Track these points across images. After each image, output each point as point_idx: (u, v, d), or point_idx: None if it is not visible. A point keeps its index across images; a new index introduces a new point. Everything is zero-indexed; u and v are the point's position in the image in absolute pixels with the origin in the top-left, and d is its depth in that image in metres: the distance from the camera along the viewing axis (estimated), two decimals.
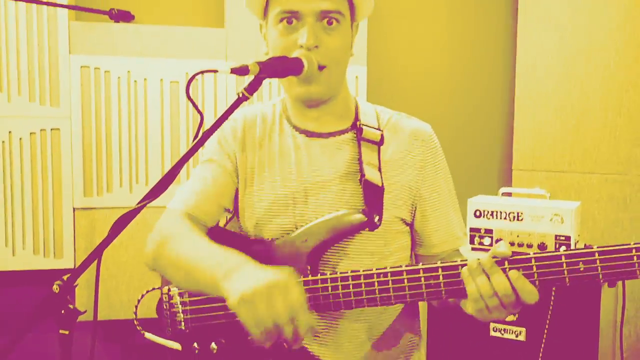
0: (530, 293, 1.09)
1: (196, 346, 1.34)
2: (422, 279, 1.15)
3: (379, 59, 3.28)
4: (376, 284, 1.17)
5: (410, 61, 3.43)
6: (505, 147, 3.49)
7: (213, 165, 1.43)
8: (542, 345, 1.95)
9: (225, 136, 1.44)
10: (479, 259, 1.11)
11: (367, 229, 1.28)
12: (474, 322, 1.62)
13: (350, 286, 1.19)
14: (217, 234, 1.40)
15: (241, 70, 1.17)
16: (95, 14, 2.90)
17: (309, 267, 1.28)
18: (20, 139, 2.79)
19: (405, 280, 1.16)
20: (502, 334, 2.08)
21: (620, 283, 2.06)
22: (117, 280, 2.94)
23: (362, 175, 1.30)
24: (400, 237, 1.36)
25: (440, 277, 1.15)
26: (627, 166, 3.02)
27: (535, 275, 1.09)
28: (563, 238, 2.07)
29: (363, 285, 1.18)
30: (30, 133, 2.81)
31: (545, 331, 1.95)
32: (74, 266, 2.87)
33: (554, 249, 2.09)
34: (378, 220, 1.28)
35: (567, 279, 1.08)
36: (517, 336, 2.06)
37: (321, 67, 1.26)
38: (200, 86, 2.96)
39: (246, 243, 1.39)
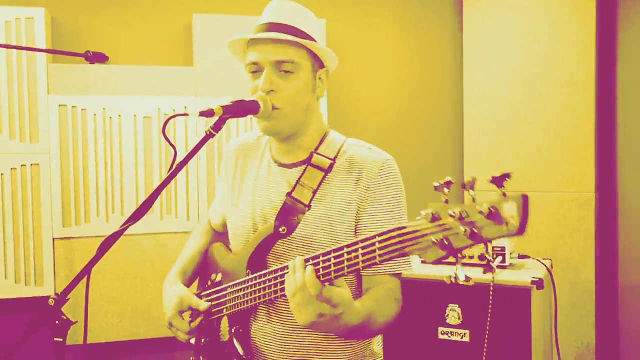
0: (313, 283, 1.20)
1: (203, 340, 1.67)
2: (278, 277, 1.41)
3: (338, 90, 3.54)
4: (266, 281, 1.45)
5: (367, 91, 3.70)
6: (456, 168, 3.75)
7: (219, 185, 1.82)
8: (485, 345, 2.19)
9: (225, 160, 1.77)
10: (294, 261, 1.28)
11: (278, 239, 1.53)
12: (422, 327, 1.83)
13: (255, 285, 1.48)
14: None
15: (207, 113, 1.41)
16: (72, 56, 3.12)
17: (248, 272, 1.54)
18: (1, 174, 2.98)
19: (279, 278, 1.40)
20: (449, 337, 2.32)
21: (550, 286, 2.32)
22: (96, 307, 3.11)
23: (290, 192, 1.54)
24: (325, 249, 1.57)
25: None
26: (564, 185, 3.32)
27: (334, 266, 1.23)
28: (499, 249, 2.34)
29: (260, 284, 1.46)
30: (11, 168, 3.00)
31: (487, 332, 2.20)
32: (54, 292, 3.03)
33: (492, 259, 2.35)
34: (284, 231, 1.51)
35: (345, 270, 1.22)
36: (462, 338, 2.30)
37: (275, 108, 1.50)
38: (172, 123, 3.18)
39: (225, 254, 1.72)
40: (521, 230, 0.93)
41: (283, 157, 1.62)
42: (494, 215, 0.96)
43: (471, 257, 2.38)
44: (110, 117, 3.11)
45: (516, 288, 2.21)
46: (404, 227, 1.10)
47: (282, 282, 1.37)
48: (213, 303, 1.66)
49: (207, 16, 3.23)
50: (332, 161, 1.55)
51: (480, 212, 0.98)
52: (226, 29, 3.22)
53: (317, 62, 1.58)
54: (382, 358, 1.68)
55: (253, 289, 1.49)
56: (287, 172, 1.59)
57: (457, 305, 2.31)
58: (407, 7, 3.76)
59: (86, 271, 1.48)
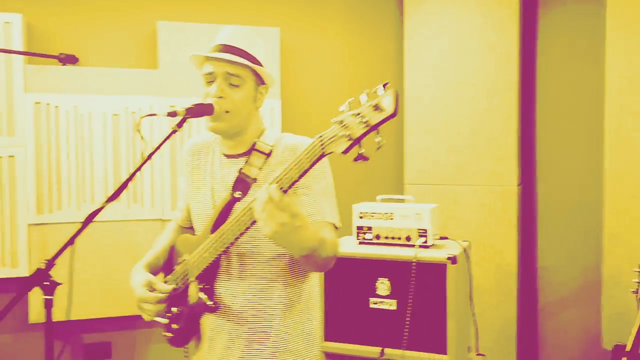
0: (276, 193, 1.51)
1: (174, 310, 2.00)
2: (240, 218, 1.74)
3: (291, 93, 3.89)
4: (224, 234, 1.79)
5: (317, 93, 4.05)
6: (397, 164, 4.13)
7: (181, 183, 2.14)
8: (409, 312, 2.58)
9: (183, 159, 2.11)
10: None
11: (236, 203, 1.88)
12: (356, 297, 2.13)
13: (216, 240, 1.82)
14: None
15: (172, 114, 1.76)
16: (46, 58, 3.41)
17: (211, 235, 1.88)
18: None
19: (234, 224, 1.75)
20: (379, 306, 2.71)
21: (465, 264, 2.72)
22: (66, 287, 3.40)
23: (241, 168, 1.91)
24: None
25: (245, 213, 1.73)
26: (491, 179, 3.74)
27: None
28: (423, 231, 2.73)
29: (221, 236, 1.79)
30: None
31: (410, 302, 2.59)
32: (29, 274, 3.33)
33: (416, 240, 2.75)
34: (239, 195, 1.87)
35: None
36: (390, 306, 2.69)
37: (227, 111, 1.87)
38: (142, 122, 3.49)
39: (190, 238, 2.05)
40: (395, 113, 1.37)
41: (230, 150, 1.98)
42: (377, 106, 1.38)
43: (399, 238, 2.77)
44: (81, 114, 3.42)
45: (434, 264, 2.61)
46: (321, 135, 1.49)
47: (241, 224, 1.71)
48: (180, 277, 2.00)
49: (170, 24, 3.56)
50: (271, 147, 1.93)
51: (370, 106, 1.39)
52: (188, 36, 3.56)
53: (259, 80, 1.95)
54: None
55: (216, 242, 1.82)
56: (235, 161, 1.96)
57: (387, 279, 2.70)
58: (354, 17, 4.13)
59: (71, 242, 1.81)
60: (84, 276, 3.43)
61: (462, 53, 3.81)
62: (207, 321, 1.97)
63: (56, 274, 3.34)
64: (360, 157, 1.43)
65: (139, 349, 3.77)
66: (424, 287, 2.62)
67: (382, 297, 2.70)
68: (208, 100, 1.85)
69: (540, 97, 3.90)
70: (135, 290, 1.99)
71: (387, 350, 2.66)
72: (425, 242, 2.72)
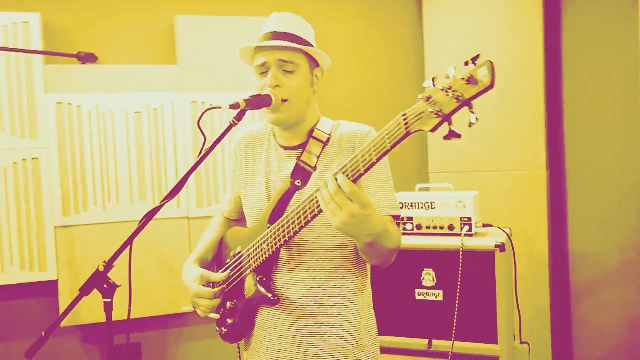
0: (347, 184, 1.48)
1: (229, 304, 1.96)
2: (301, 211, 1.67)
3: None
4: (285, 225, 1.73)
5: (336, 83, 3.98)
6: (421, 153, 4.08)
7: (230, 174, 2.10)
8: (457, 302, 2.53)
9: (235, 151, 2.05)
10: (324, 176, 1.56)
11: (295, 192, 1.83)
12: (402, 289, 2.12)
13: (276, 231, 1.76)
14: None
15: (235, 106, 1.70)
16: (64, 57, 3.34)
17: (268, 226, 1.82)
18: (4, 168, 3.19)
19: (295, 216, 1.68)
20: (425, 297, 2.66)
21: (511, 251, 2.67)
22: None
23: (299, 157, 1.85)
24: None
25: (307, 203, 1.66)
26: (519, 164, 3.70)
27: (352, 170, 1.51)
28: (466, 219, 2.68)
29: (282, 227, 1.74)
30: (13, 163, 3.21)
31: (458, 292, 2.54)
32: (57, 278, 3.27)
33: (460, 230, 2.70)
34: (299, 183, 1.82)
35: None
36: (436, 297, 2.64)
37: (284, 101, 1.81)
38: (163, 118, 3.43)
39: (243, 230, 2.02)
40: (493, 84, 1.28)
41: (287, 142, 1.92)
42: (471, 79, 1.29)
43: (442, 228, 2.72)
44: (103, 114, 3.35)
45: (482, 252, 2.56)
46: (404, 113, 1.41)
47: (306, 214, 1.65)
48: (234, 270, 1.94)
49: (189, 18, 3.49)
50: (329, 135, 1.87)
51: (462, 79, 1.30)
52: (207, 30, 3.49)
53: (314, 62, 1.89)
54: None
55: (276, 233, 1.76)
56: (292, 153, 1.90)
57: (432, 270, 2.65)
58: (370, 1, 4.06)
59: (129, 242, 1.75)
60: (111, 277, 3.36)
61: (486, 36, 3.76)
62: (264, 315, 1.92)
63: (79, 277, 3.30)
64: (452, 135, 1.35)
65: (169, 350, 3.72)
66: (471, 276, 2.57)
67: (428, 288, 2.65)
68: (265, 92, 1.80)
69: (567, 79, 3.85)
70: (190, 286, 1.96)
71: (435, 342, 2.62)
72: (470, 230, 2.68)
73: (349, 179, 1.50)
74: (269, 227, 1.82)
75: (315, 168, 1.84)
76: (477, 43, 3.77)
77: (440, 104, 1.34)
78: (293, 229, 1.71)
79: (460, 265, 2.55)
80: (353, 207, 1.49)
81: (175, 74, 3.47)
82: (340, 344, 1.85)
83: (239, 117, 1.74)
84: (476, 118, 1.30)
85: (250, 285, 1.89)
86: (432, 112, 1.35)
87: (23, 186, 3.24)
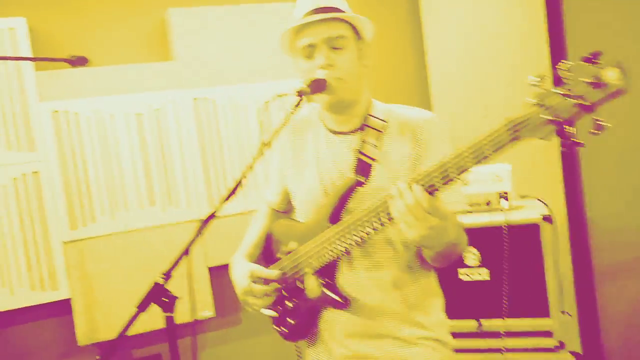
0: (426, 198, 1.38)
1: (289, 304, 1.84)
2: (379, 213, 1.55)
3: None
4: (354, 228, 1.61)
5: None
6: None
7: (274, 165, 1.98)
8: (505, 279, 2.45)
9: (278, 140, 1.91)
10: (397, 185, 1.45)
11: (358, 188, 1.70)
12: (444, 271, 2.06)
13: (344, 234, 1.64)
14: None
15: (301, 92, 1.58)
16: (54, 62, 3.15)
17: (329, 225, 1.71)
18: (4, 185, 3.00)
19: (366, 220, 1.57)
20: (470, 277, 2.58)
21: (554, 222, 2.60)
22: (112, 303, 3.19)
23: (359, 149, 1.73)
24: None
25: (380, 210, 1.54)
26: (527, 153, 3.61)
27: (440, 177, 1.40)
28: (505, 193, 2.60)
29: (351, 230, 1.62)
30: (13, 179, 3.02)
31: (505, 267, 2.47)
32: (71, 296, 3.09)
33: (497, 205, 2.62)
34: (363, 179, 1.70)
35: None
36: (481, 276, 2.56)
37: (339, 79, 1.69)
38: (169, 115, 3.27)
39: (295, 225, 1.89)
40: (625, 88, 1.14)
41: (339, 126, 1.80)
42: (597, 82, 1.16)
43: (478, 205, 2.64)
44: (103, 118, 3.18)
45: (526, 226, 2.49)
46: (512, 119, 1.29)
47: (376, 220, 1.54)
48: (290, 268, 1.83)
49: (182, 10, 3.32)
50: (385, 122, 1.76)
51: (586, 82, 1.16)
52: (202, 21, 3.33)
53: (358, 35, 1.77)
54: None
55: (341, 236, 1.64)
56: (344, 138, 1.78)
57: (475, 248, 2.57)
58: None
59: (186, 251, 1.62)
60: (127, 289, 3.21)
61: (485, 7, 3.67)
62: (329, 315, 1.81)
63: (93, 293, 3.14)
64: (573, 145, 1.20)
65: (189, 358, 3.58)
66: (516, 251, 2.50)
67: (472, 267, 2.57)
68: (317, 74, 1.68)
69: (570, 45, 3.79)
70: (239, 282, 1.85)
71: (484, 322, 2.54)
72: (509, 204, 2.60)
73: (430, 188, 1.40)
74: (330, 226, 1.70)
75: (374, 160, 1.72)
76: (477, 13, 3.68)
77: (555, 109, 1.21)
78: (364, 229, 1.59)
79: (506, 240, 2.47)
80: (433, 220, 1.40)
81: (174, 70, 3.31)
82: (415, 343, 1.75)
83: (298, 105, 1.61)
84: (602, 126, 1.15)
85: (313, 286, 1.77)
86: (546, 118, 1.22)
87: (25, 202, 3.06)
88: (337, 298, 1.70)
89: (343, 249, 1.65)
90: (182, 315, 3.26)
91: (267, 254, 2.00)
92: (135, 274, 3.23)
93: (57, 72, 3.12)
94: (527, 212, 2.55)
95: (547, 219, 2.47)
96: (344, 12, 1.74)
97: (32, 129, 3.06)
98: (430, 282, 1.84)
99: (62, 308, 3.18)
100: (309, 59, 1.71)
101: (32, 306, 3.08)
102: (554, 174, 3.60)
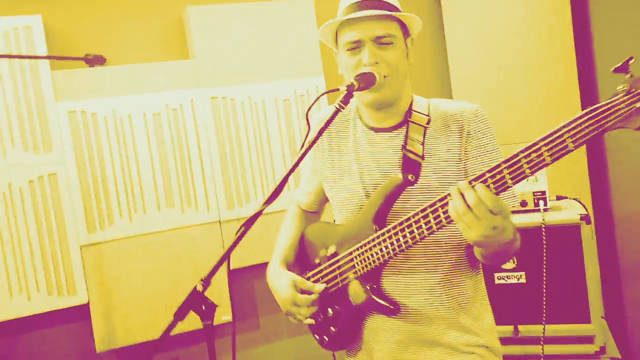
0: (491, 198, 1.31)
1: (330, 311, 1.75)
2: (429, 214, 1.46)
3: (334, 67, 3.61)
4: (405, 228, 1.52)
5: None
6: None
7: (306, 164, 1.90)
8: (544, 283, 2.37)
9: (312, 136, 1.80)
10: (457, 185, 1.37)
11: (407, 187, 1.61)
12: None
13: (392, 236, 1.55)
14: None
15: (351, 87, 1.50)
16: (71, 62, 3.07)
17: (375, 227, 1.62)
18: (20, 188, 2.92)
19: (421, 219, 1.48)
20: (506, 280, 2.49)
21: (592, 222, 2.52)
22: (131, 307, 3.10)
23: (404, 145, 1.65)
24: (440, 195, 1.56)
25: (439, 208, 1.44)
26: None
27: (507, 177, 1.32)
28: (540, 193, 2.51)
29: (398, 231, 1.53)
30: (29, 181, 2.94)
31: (544, 271, 2.38)
32: (88, 301, 3.01)
33: (532, 206, 2.53)
34: (413, 178, 1.61)
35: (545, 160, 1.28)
36: (518, 280, 2.47)
37: (385, 77, 1.60)
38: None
39: (333, 227, 1.79)
40: None
41: (379, 123, 1.71)
42: None
43: (513, 205, 2.55)
44: (121, 118, 3.09)
45: (564, 227, 2.40)
46: (594, 108, 1.21)
47: (431, 220, 1.45)
48: (331, 275, 1.74)
49: (201, 7, 3.24)
50: (428, 117, 1.67)
51: None
52: (221, 19, 3.25)
53: (405, 31, 1.69)
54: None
55: (390, 239, 1.56)
56: (386, 136, 1.69)
57: None
58: None
59: (226, 256, 1.53)
60: (146, 293, 3.13)
61: (510, 2, 3.58)
62: (374, 321, 1.73)
63: (112, 298, 3.06)
64: None
65: None
66: (554, 253, 2.41)
67: (508, 270, 2.48)
68: (363, 70, 1.59)
69: (597, 39, 3.70)
70: (281, 292, 1.77)
71: (522, 327, 2.46)
72: (545, 204, 2.51)
73: (497, 185, 1.32)
74: (375, 228, 1.62)
75: (423, 157, 1.64)
76: (501, 6, 3.59)
77: None
78: (416, 233, 1.50)
79: (545, 242, 2.39)
80: (495, 219, 1.33)
81: (191, 68, 3.22)
82: (464, 350, 1.67)
83: (346, 101, 1.53)
84: None
85: (358, 292, 1.69)
86: None
87: (42, 205, 2.97)
88: (386, 304, 1.62)
89: (392, 252, 1.57)
90: (197, 319, 3.18)
91: (301, 258, 1.92)
92: (154, 278, 3.15)
93: (74, 71, 3.03)
94: (565, 213, 2.46)
95: (586, 219, 2.38)
96: (394, 7, 1.66)
97: (49, 129, 2.97)
98: (478, 284, 1.76)
99: (81, 313, 3.10)
100: (353, 54, 1.63)
101: (49, 312, 3.00)
102: (580, 173, 3.52)
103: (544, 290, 2.38)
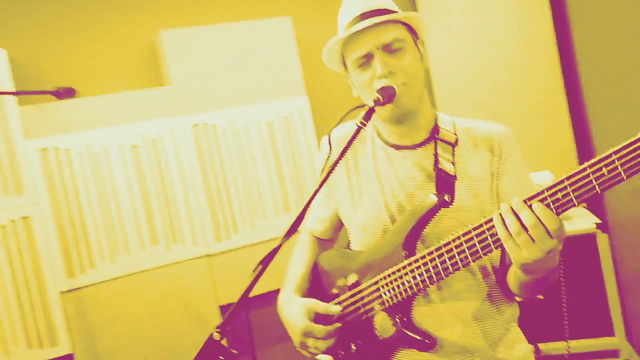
0: (552, 218, 1.17)
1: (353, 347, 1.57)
2: (474, 237, 1.31)
3: (316, 87, 3.49)
4: (444, 254, 1.36)
5: (345, 85, 3.67)
6: None
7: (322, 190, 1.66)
8: (563, 297, 2.24)
9: (324, 157, 1.70)
10: (509, 202, 1.24)
11: (441, 209, 1.47)
12: None
13: (427, 262, 1.40)
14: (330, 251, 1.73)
15: (377, 102, 1.36)
16: (39, 96, 2.88)
17: (405, 253, 1.47)
18: None
19: (464, 243, 1.33)
20: (521, 297, 2.36)
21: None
22: (118, 355, 2.89)
23: (436, 164, 1.52)
24: (475, 217, 1.45)
25: (485, 230, 1.30)
26: (544, 139, 3.46)
27: (560, 195, 1.17)
28: None
29: (436, 257, 1.38)
30: (1, 226, 2.73)
31: (562, 283, 2.26)
32: (73, 351, 2.79)
33: None
34: (449, 199, 1.49)
35: (595, 188, 1.13)
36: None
37: (404, 84, 1.47)
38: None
39: (351, 255, 1.63)
40: None
41: (401, 140, 1.58)
42: None
43: None
44: (96, 153, 2.90)
45: (583, 236, 2.29)
46: None
47: (475, 243, 1.30)
48: (354, 307, 1.59)
49: (175, 31, 3.08)
50: (456, 135, 1.55)
51: None
52: (196, 42, 3.10)
53: (414, 34, 1.57)
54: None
55: (424, 266, 1.41)
56: (412, 154, 1.56)
57: None
58: None
59: (244, 298, 1.37)
60: (134, 338, 2.93)
61: (489, 11, 3.51)
62: (400, 358, 1.58)
63: (97, 346, 2.84)
64: None
65: None
66: (570, 264, 2.29)
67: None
68: (378, 84, 1.46)
69: (578, 43, 3.65)
70: (294, 322, 1.58)
71: (542, 346, 2.33)
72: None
73: (561, 205, 1.18)
74: (405, 255, 1.47)
75: (455, 177, 1.51)
76: (478, 17, 3.52)
77: None
78: (458, 261, 1.34)
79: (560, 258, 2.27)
80: (552, 243, 1.19)
81: (169, 95, 3.05)
82: None
83: (367, 118, 1.39)
84: None
85: (386, 325, 1.54)
86: None
87: (16, 251, 2.76)
88: (420, 338, 1.47)
89: (429, 281, 1.41)
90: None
91: (315, 289, 1.76)
92: (141, 322, 2.95)
93: (43, 105, 2.84)
94: (579, 222, 2.35)
95: (603, 227, 2.28)
96: (394, 11, 1.54)
97: (19, 169, 2.77)
98: (513, 314, 1.62)
99: None
100: (364, 70, 1.49)
101: None
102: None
103: (564, 305, 2.26)
